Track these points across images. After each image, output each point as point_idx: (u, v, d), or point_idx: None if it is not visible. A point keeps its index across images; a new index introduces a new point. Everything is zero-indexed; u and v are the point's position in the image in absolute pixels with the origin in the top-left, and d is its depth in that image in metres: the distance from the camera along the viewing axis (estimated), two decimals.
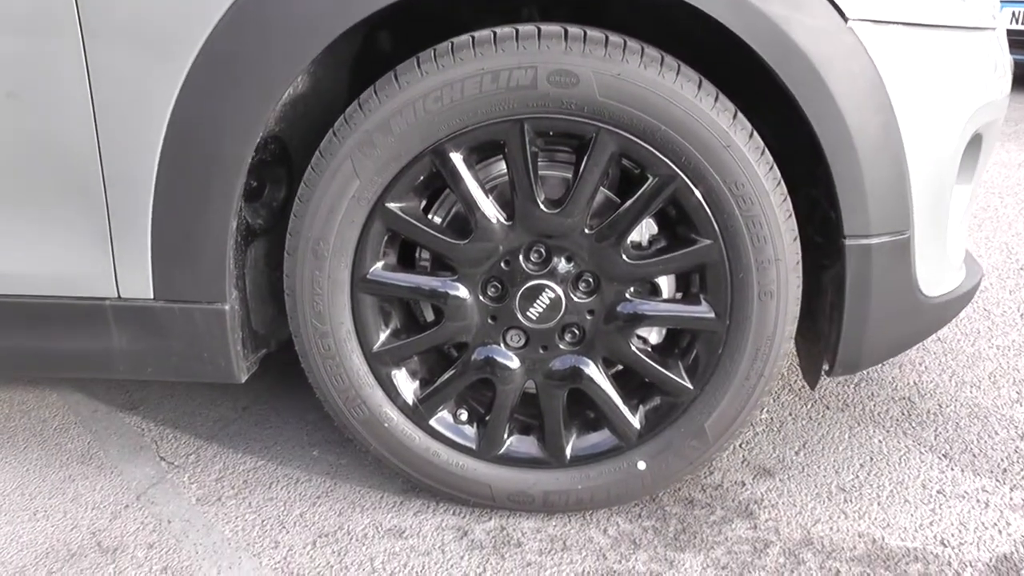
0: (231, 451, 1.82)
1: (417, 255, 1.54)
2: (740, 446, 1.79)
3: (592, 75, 1.28)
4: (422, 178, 1.38)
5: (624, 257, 1.40)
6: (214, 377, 1.52)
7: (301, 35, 1.30)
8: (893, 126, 1.34)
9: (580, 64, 1.28)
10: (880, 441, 1.80)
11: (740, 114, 1.33)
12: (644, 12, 1.51)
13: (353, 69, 1.65)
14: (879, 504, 1.59)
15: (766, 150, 1.34)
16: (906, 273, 1.44)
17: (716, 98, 1.31)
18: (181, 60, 1.32)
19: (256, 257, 1.54)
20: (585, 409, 1.54)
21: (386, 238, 1.43)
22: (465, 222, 1.41)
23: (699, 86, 1.30)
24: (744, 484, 1.66)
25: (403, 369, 1.51)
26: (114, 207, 1.41)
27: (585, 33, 1.29)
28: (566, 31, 1.29)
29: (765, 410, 1.93)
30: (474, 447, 1.53)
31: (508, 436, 1.54)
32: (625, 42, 1.29)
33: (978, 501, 1.60)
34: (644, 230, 1.46)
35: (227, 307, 1.45)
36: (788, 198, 1.36)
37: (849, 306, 1.42)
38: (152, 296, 1.46)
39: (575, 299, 1.44)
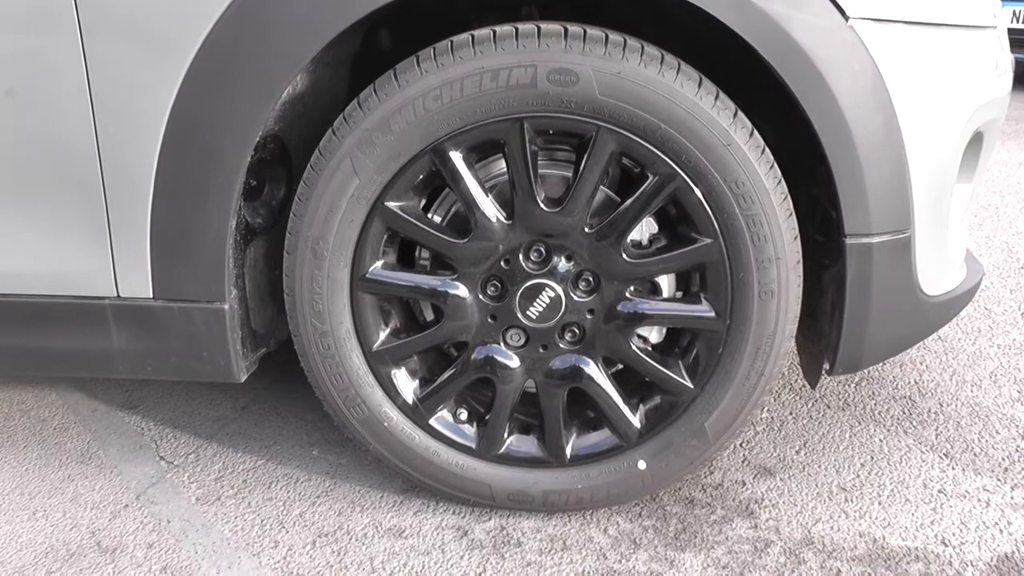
0: (230, 450, 1.82)
1: (417, 254, 1.53)
2: (741, 445, 1.79)
3: (592, 74, 1.28)
4: (422, 177, 1.38)
5: (624, 256, 1.40)
6: (213, 376, 1.51)
7: (301, 33, 1.30)
8: (894, 124, 1.33)
9: (580, 63, 1.28)
10: (881, 440, 1.80)
11: (740, 112, 1.32)
12: (644, 10, 1.51)
13: (353, 68, 1.65)
14: (880, 503, 1.59)
15: (766, 149, 1.34)
16: (907, 272, 1.44)
17: (716, 96, 1.31)
18: (180, 58, 1.32)
19: (255, 256, 1.54)
20: (585, 408, 1.54)
21: (385, 237, 1.43)
22: (465, 221, 1.40)
23: (699, 84, 1.30)
24: (745, 483, 1.66)
25: (403, 368, 1.51)
26: (113, 206, 1.40)
27: (585, 32, 1.29)
28: (566, 29, 1.29)
29: (766, 409, 1.93)
30: (474, 446, 1.53)
31: (508, 435, 1.53)
32: (625, 40, 1.29)
33: (979, 500, 1.59)
34: (644, 229, 1.46)
35: (226, 306, 1.45)
36: (789, 197, 1.36)
37: (850, 305, 1.41)
38: (151, 295, 1.46)
39: (575, 298, 1.43)
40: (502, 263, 1.42)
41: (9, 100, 1.36)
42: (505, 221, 1.39)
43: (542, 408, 1.50)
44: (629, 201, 1.37)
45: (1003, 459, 1.72)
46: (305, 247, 1.40)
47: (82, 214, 1.41)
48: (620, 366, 1.53)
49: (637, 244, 1.46)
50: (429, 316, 1.56)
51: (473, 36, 1.31)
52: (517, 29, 1.30)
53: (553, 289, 1.42)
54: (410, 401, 1.51)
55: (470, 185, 1.37)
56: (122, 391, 2.09)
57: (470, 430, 1.54)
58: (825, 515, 1.56)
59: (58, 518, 1.60)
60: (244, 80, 1.32)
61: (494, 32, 1.30)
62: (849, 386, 2.02)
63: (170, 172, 1.37)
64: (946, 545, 1.48)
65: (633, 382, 1.53)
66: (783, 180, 1.35)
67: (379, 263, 1.43)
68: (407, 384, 1.51)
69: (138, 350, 1.51)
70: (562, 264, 1.41)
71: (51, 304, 1.49)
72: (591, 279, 1.43)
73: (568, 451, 1.52)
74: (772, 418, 1.89)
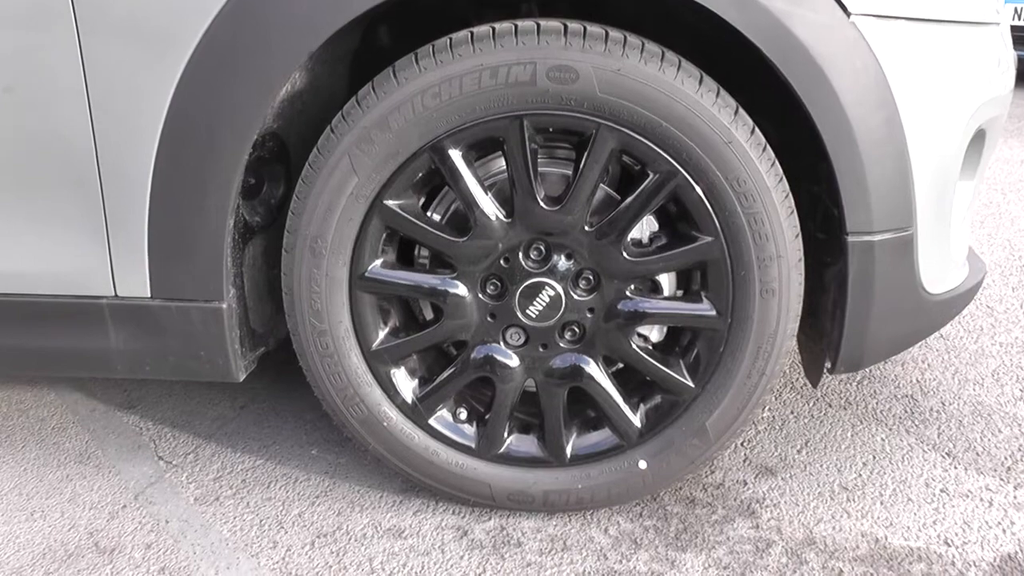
0: (229, 450, 1.81)
1: (416, 253, 1.53)
2: (742, 444, 1.78)
3: (592, 71, 1.27)
4: (421, 175, 1.37)
5: (624, 254, 1.39)
6: (212, 376, 1.51)
7: (299, 30, 1.29)
8: (896, 122, 1.33)
9: (580, 60, 1.27)
10: (883, 439, 1.79)
11: (742, 110, 1.31)
12: (645, 7, 1.50)
13: (352, 65, 1.64)
14: (882, 503, 1.58)
15: (768, 146, 1.33)
16: (909, 270, 1.43)
17: (717, 94, 1.30)
18: (178, 55, 1.31)
19: (254, 255, 1.53)
20: (585, 408, 1.53)
21: (384, 235, 1.42)
22: (464, 219, 1.40)
23: (700, 81, 1.29)
24: (746, 483, 1.65)
25: (402, 368, 1.50)
26: (110, 205, 1.40)
27: (585, 29, 1.28)
28: (565, 27, 1.28)
29: (767, 408, 1.92)
30: (473, 446, 1.52)
31: (508, 435, 1.53)
32: (625, 38, 1.28)
33: (982, 500, 1.59)
34: (645, 227, 1.45)
35: (225, 305, 1.44)
36: (790, 194, 1.35)
37: (852, 303, 1.41)
38: (149, 295, 1.45)
39: (575, 297, 1.43)
40: (502, 262, 1.41)
41: (6, 98, 1.35)
42: (505, 219, 1.38)
43: (542, 407, 1.49)
44: (629, 199, 1.36)
45: (1006, 458, 1.71)
46: (304, 245, 1.39)
47: (79, 213, 1.41)
48: (620, 365, 1.52)
49: (637, 242, 1.45)
50: (428, 315, 1.55)
51: (472, 33, 1.30)
52: (516, 26, 1.29)
53: (553, 288, 1.41)
54: (409, 400, 1.50)
55: (469, 183, 1.36)
56: (121, 391, 2.08)
57: (470, 430, 1.53)
58: (827, 515, 1.56)
59: (56, 518, 1.60)
60: (242, 77, 1.32)
61: (493, 29, 1.30)
62: (851, 385, 2.01)
63: (168, 170, 1.37)
64: (949, 545, 1.47)
65: (634, 381, 1.52)
66: (784, 178, 1.35)
67: (378, 262, 1.43)
68: (406, 383, 1.50)
69: (136, 350, 1.50)
70: (562, 262, 1.41)
71: (49, 304, 1.48)
72: (591, 277, 1.42)
73: (568, 451, 1.51)
74: (773, 417, 1.88)
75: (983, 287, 2.54)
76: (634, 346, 1.45)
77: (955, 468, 1.69)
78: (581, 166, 1.34)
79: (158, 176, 1.37)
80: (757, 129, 1.32)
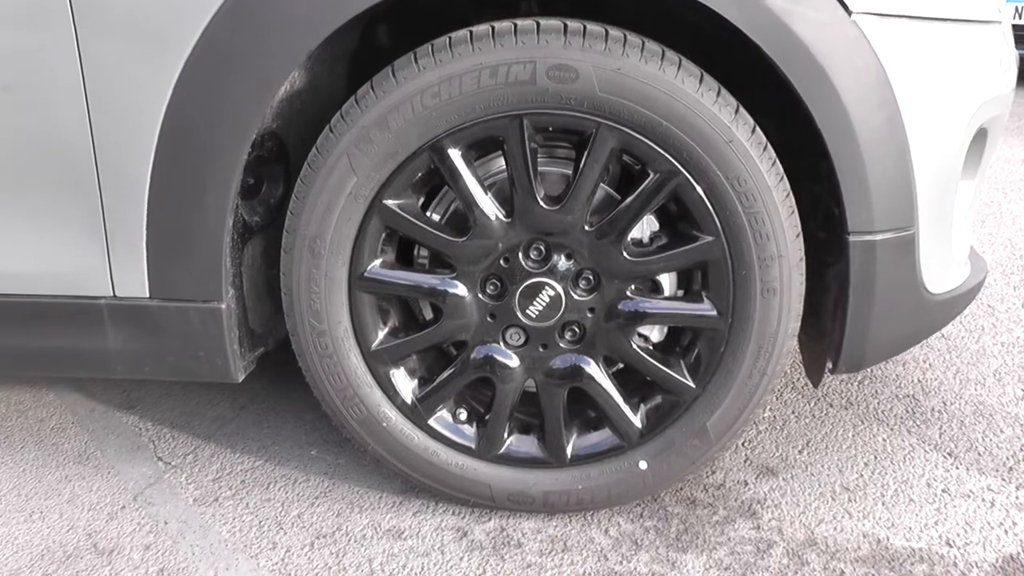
0: (229, 451, 1.80)
1: (415, 253, 1.52)
2: (743, 445, 1.77)
3: (592, 70, 1.27)
4: (420, 175, 1.37)
5: (625, 254, 1.38)
6: (211, 376, 1.50)
7: (298, 29, 1.29)
8: (897, 121, 1.32)
9: (580, 59, 1.27)
10: (884, 439, 1.78)
11: (742, 109, 1.31)
12: (645, 6, 1.49)
13: (351, 64, 1.64)
14: (883, 503, 1.58)
15: (768, 145, 1.32)
16: (910, 270, 1.43)
17: (718, 93, 1.29)
18: (176, 54, 1.30)
19: (253, 255, 1.53)
20: (586, 408, 1.52)
21: (384, 235, 1.41)
22: (464, 219, 1.39)
23: (700, 80, 1.29)
24: (747, 483, 1.65)
25: (401, 368, 1.50)
26: (109, 204, 1.39)
27: (585, 27, 1.28)
28: (565, 26, 1.28)
29: (768, 408, 1.92)
30: (473, 447, 1.51)
31: (508, 435, 1.52)
32: (625, 36, 1.28)
33: (983, 500, 1.58)
34: (645, 227, 1.45)
35: (223, 306, 1.44)
36: (791, 194, 1.35)
37: (853, 303, 1.40)
38: (148, 295, 1.45)
39: (575, 297, 1.42)
40: (501, 261, 1.41)
41: (4, 97, 1.35)
42: (504, 219, 1.38)
43: (542, 408, 1.49)
44: (630, 199, 1.35)
45: (1007, 458, 1.71)
46: (303, 245, 1.39)
47: (77, 213, 1.40)
48: (621, 365, 1.51)
49: (638, 242, 1.45)
50: (428, 315, 1.55)
51: (472, 32, 1.30)
52: (516, 25, 1.29)
53: (553, 288, 1.41)
54: (409, 401, 1.49)
55: (469, 183, 1.36)
56: (120, 391, 2.08)
57: (469, 430, 1.53)
58: (828, 515, 1.55)
59: (55, 519, 1.59)
60: (241, 76, 1.31)
61: (493, 28, 1.29)
62: (852, 385, 2.01)
63: (166, 170, 1.36)
64: (950, 546, 1.47)
65: (634, 381, 1.52)
66: (785, 177, 1.34)
67: (377, 262, 1.42)
68: (406, 384, 1.50)
69: (135, 350, 1.50)
70: (562, 262, 1.40)
71: (47, 304, 1.48)
72: (591, 277, 1.42)
73: (568, 451, 1.50)
74: (775, 417, 1.88)
75: (984, 287, 2.53)
76: (634, 346, 1.44)
77: (957, 468, 1.68)
78: (581, 165, 1.33)
79: (157, 176, 1.37)
80: (758, 128, 1.32)
